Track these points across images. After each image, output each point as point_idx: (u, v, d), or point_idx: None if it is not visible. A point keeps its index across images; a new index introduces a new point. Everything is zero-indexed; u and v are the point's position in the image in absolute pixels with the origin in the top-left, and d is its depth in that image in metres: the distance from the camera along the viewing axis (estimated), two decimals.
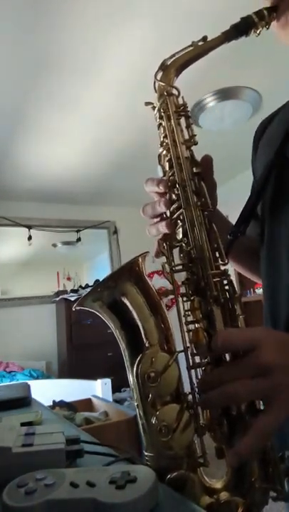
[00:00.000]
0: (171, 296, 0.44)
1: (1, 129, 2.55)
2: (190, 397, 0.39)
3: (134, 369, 0.40)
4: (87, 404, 1.73)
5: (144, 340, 0.41)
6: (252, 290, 3.17)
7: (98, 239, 4.27)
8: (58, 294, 3.77)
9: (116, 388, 2.92)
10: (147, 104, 0.56)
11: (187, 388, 0.40)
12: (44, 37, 1.82)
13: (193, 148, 0.51)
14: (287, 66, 2.21)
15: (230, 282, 0.44)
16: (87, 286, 3.89)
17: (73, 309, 0.47)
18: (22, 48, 1.87)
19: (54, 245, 4.19)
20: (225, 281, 0.44)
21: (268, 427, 0.35)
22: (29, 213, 3.85)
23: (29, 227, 3.83)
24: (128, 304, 0.42)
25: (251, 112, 2.61)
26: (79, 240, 4.11)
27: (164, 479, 0.37)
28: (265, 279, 0.61)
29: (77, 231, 4.10)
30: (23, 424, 0.51)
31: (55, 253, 4.23)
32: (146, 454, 0.39)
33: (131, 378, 0.41)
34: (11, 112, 2.38)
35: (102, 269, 4.32)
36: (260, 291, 3.11)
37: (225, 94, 2.42)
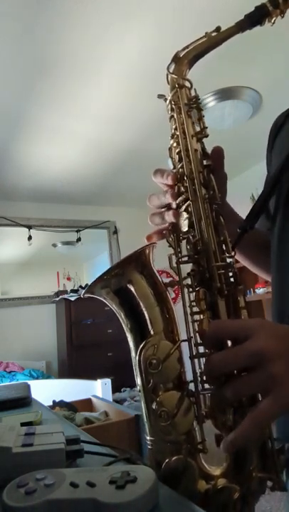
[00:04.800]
0: (175, 289, 0.45)
1: (1, 128, 2.56)
2: (192, 385, 0.40)
3: (137, 355, 0.41)
4: (87, 404, 1.73)
5: (149, 327, 0.42)
6: (252, 290, 3.17)
7: (98, 239, 4.27)
8: (57, 294, 3.77)
9: (116, 388, 2.92)
10: (160, 96, 0.55)
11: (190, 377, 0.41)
12: (44, 37, 1.82)
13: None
14: (287, 66, 2.21)
15: (235, 275, 0.44)
16: (87, 286, 3.87)
17: (82, 296, 0.48)
18: (22, 47, 1.87)
19: (54, 245, 4.20)
20: (230, 274, 0.44)
21: (264, 417, 0.35)
22: (29, 213, 3.86)
23: (29, 227, 3.84)
24: (134, 292, 0.43)
25: (251, 112, 2.61)
26: (79, 239, 4.11)
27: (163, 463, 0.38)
28: (275, 273, 0.61)
29: (77, 231, 4.10)
30: (23, 424, 0.51)
31: (55, 253, 4.23)
32: (148, 438, 0.40)
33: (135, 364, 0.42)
34: (11, 111, 2.38)
35: (102, 269, 4.27)
36: (260, 291, 3.11)
37: (225, 94, 2.42)
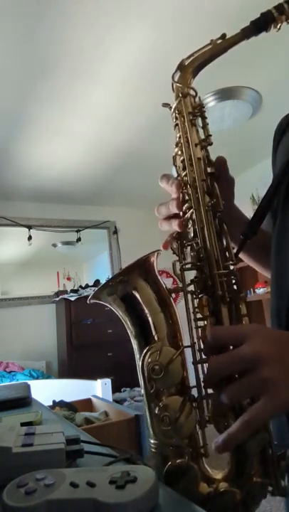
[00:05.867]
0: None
1: (1, 128, 2.56)
2: (195, 390, 0.41)
3: (140, 361, 0.42)
4: (87, 404, 1.73)
5: (153, 333, 0.43)
6: (252, 290, 3.17)
7: (98, 239, 4.27)
8: (58, 294, 3.77)
9: (116, 388, 2.92)
10: (165, 105, 0.56)
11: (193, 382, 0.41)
12: (45, 37, 1.82)
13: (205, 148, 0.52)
14: (287, 66, 2.21)
15: (237, 282, 0.45)
16: (87, 286, 3.89)
17: (88, 302, 0.49)
18: (23, 48, 1.87)
19: (54, 245, 4.20)
20: (234, 281, 0.45)
21: (256, 419, 0.35)
22: (29, 213, 3.86)
23: (29, 227, 3.83)
24: (139, 298, 0.44)
25: (251, 112, 2.61)
26: (79, 240, 4.11)
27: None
28: (274, 271, 0.61)
29: (77, 231, 4.10)
30: (23, 424, 0.51)
31: (55, 253, 4.23)
32: (151, 441, 0.41)
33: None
34: (11, 111, 2.38)
35: (102, 269, 4.32)
36: (260, 291, 3.11)
37: (225, 94, 2.42)
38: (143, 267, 0.45)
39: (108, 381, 1.82)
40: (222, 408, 0.39)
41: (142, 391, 0.42)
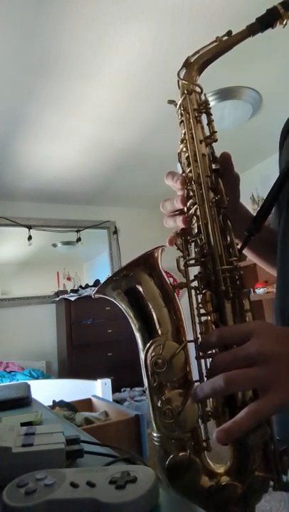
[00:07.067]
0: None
1: (1, 128, 2.56)
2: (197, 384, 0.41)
3: (144, 354, 0.42)
4: (87, 404, 1.73)
5: (157, 327, 0.43)
6: (252, 290, 3.17)
7: (98, 239, 4.27)
8: (58, 294, 3.77)
9: (116, 388, 2.93)
10: (170, 102, 0.56)
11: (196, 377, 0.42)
12: (45, 37, 1.82)
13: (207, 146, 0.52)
14: (287, 66, 2.21)
15: (240, 278, 0.45)
16: (87, 286, 3.89)
17: (93, 296, 0.49)
18: (22, 48, 1.87)
19: (54, 245, 4.20)
20: (237, 276, 0.45)
21: (264, 410, 0.35)
22: (29, 213, 3.86)
23: (29, 227, 3.84)
24: (143, 293, 0.44)
25: (251, 112, 2.61)
26: (79, 239, 4.11)
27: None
28: (279, 267, 0.61)
29: (77, 231, 4.10)
30: (23, 424, 0.51)
31: (55, 253, 4.23)
32: (154, 434, 0.42)
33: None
34: (11, 112, 2.38)
35: (102, 269, 4.32)
36: (260, 291, 3.10)
37: (225, 94, 2.42)
38: (147, 262, 0.45)
39: (108, 381, 1.82)
40: (223, 394, 0.38)
41: (145, 384, 0.42)
